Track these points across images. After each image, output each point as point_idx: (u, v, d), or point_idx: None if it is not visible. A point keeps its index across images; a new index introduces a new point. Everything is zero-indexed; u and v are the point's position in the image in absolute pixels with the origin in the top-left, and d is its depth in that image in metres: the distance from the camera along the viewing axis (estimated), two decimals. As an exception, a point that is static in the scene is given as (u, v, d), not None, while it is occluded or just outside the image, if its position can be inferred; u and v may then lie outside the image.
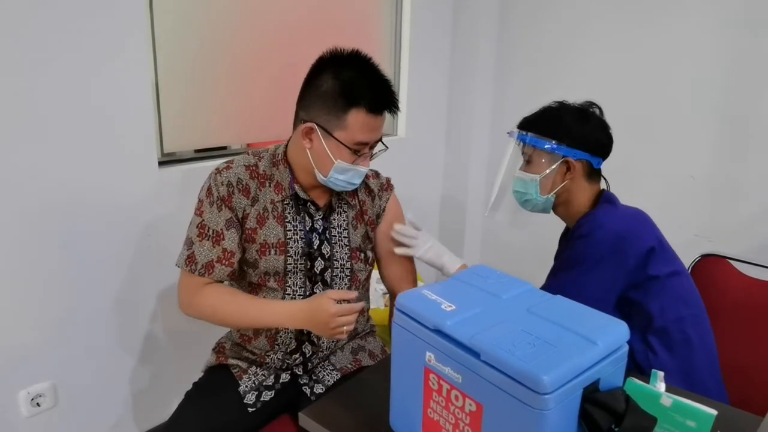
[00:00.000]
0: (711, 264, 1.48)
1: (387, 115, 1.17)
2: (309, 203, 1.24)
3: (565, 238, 1.41)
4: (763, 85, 1.91)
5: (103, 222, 1.50)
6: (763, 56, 1.90)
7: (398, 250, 1.32)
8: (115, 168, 1.50)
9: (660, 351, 1.19)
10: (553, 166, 1.29)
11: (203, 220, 1.18)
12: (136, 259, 1.60)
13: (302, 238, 1.22)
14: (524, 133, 1.32)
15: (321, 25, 2.05)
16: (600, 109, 1.32)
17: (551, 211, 1.37)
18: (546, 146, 1.29)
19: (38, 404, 1.46)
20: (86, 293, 1.50)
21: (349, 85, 1.11)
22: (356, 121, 1.12)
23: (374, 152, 1.22)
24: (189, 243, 1.20)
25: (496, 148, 2.70)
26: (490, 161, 2.74)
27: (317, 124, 1.14)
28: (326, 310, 1.08)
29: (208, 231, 1.18)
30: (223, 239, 1.18)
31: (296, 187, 1.22)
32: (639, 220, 1.25)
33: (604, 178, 1.35)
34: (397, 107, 1.17)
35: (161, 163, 1.65)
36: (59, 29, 1.32)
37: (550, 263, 1.66)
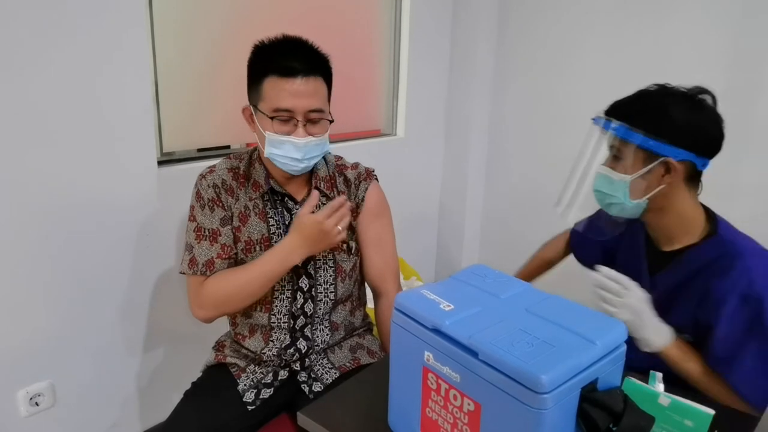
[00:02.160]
0: (709, 264, 1.48)
1: (320, 85, 1.15)
2: (286, 197, 1.26)
3: (649, 251, 1.20)
4: (763, 85, 1.92)
5: (101, 221, 1.50)
6: (763, 56, 1.90)
7: (600, 305, 1.07)
8: (114, 168, 1.50)
9: None
10: (649, 167, 1.06)
11: (198, 223, 1.21)
12: (135, 258, 1.60)
13: (284, 232, 1.24)
14: (615, 122, 1.07)
15: (321, 25, 2.05)
16: (713, 97, 1.08)
17: (640, 216, 1.14)
18: (642, 142, 1.04)
19: (37, 403, 1.46)
20: (85, 293, 1.50)
21: (263, 58, 1.14)
22: (270, 87, 1.13)
23: (314, 120, 1.16)
24: (189, 248, 1.22)
25: (495, 147, 2.71)
26: (489, 161, 2.74)
27: (250, 104, 1.18)
28: (312, 223, 1.13)
29: (204, 232, 1.21)
30: (220, 235, 1.21)
31: (272, 182, 1.24)
32: None
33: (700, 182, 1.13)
34: (314, 68, 1.14)
35: (160, 163, 1.65)
36: (58, 28, 1.32)
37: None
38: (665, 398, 0.82)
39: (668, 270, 1.14)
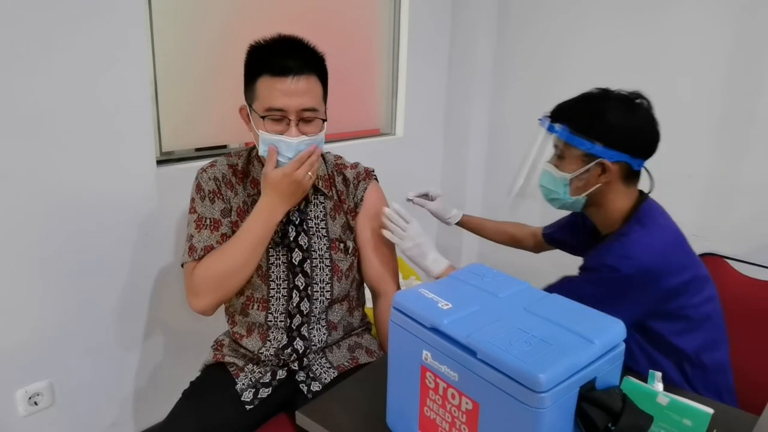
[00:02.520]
0: (709, 263, 1.47)
1: (314, 83, 1.14)
2: None
3: (594, 241, 1.31)
4: (762, 84, 1.92)
5: (100, 221, 1.50)
6: (761, 56, 1.90)
7: (385, 233, 1.28)
8: (114, 167, 1.49)
9: (696, 383, 1.16)
10: (586, 167, 1.14)
11: (199, 214, 1.22)
12: (134, 258, 1.59)
13: (280, 230, 1.24)
14: (557, 124, 1.17)
15: (320, 24, 2.05)
16: (648, 101, 1.16)
17: (580, 209, 1.25)
18: (580, 144, 1.14)
19: (36, 403, 1.46)
20: (83, 292, 1.50)
21: (257, 57, 1.14)
22: (263, 86, 1.13)
23: (307, 119, 1.14)
24: (189, 238, 1.22)
25: (494, 147, 2.71)
26: (488, 160, 2.74)
27: (246, 104, 1.19)
28: (282, 177, 1.12)
29: (205, 221, 1.21)
30: (221, 225, 1.22)
31: None
32: (673, 251, 1.13)
33: (648, 173, 1.22)
34: (307, 67, 1.12)
35: (159, 162, 1.64)
36: (58, 28, 1.32)
37: (548, 263, 1.66)
38: (664, 397, 0.82)
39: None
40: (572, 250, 1.50)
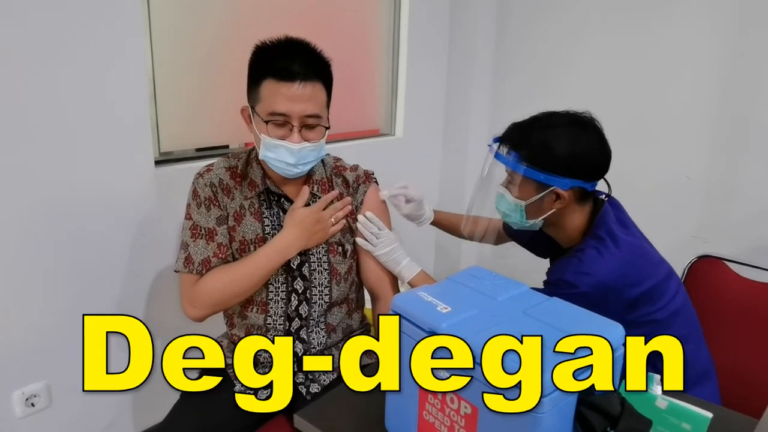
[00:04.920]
0: (707, 265, 1.48)
1: (319, 90, 1.14)
2: (282, 198, 1.26)
3: (555, 246, 1.33)
4: (759, 86, 1.92)
5: (97, 222, 1.49)
6: (758, 58, 1.90)
7: (359, 241, 1.29)
8: (111, 167, 1.49)
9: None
10: (540, 195, 1.15)
11: (194, 221, 1.21)
12: (131, 258, 1.59)
13: (278, 232, 1.23)
14: (505, 152, 1.17)
15: (319, 23, 2.05)
16: (595, 121, 1.16)
17: (538, 230, 1.26)
18: (532, 175, 1.13)
19: (32, 404, 1.45)
20: (80, 293, 1.49)
21: (263, 60, 1.14)
22: (267, 90, 1.12)
23: (310, 125, 1.14)
24: (184, 246, 1.21)
25: (494, 148, 2.70)
26: (488, 161, 2.74)
27: (248, 105, 1.18)
28: (309, 213, 1.19)
29: (200, 230, 1.20)
30: (216, 234, 1.21)
31: (268, 182, 1.24)
32: (630, 264, 1.12)
33: (606, 182, 1.22)
34: (313, 73, 1.12)
35: (158, 162, 1.64)
36: (54, 25, 1.32)
37: (546, 266, 1.66)
38: (663, 401, 0.82)
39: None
40: (527, 246, 1.49)
